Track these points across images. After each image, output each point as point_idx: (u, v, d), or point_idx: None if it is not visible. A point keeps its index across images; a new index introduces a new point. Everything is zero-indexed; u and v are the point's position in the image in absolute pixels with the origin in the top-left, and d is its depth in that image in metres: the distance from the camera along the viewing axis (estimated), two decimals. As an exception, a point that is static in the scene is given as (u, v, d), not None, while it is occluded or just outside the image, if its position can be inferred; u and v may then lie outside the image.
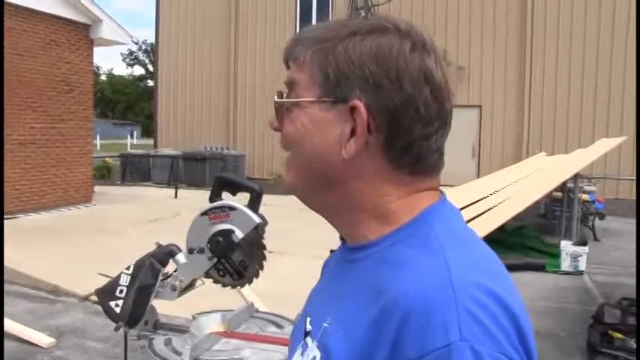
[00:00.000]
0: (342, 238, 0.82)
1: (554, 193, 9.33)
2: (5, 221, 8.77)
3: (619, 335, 4.34)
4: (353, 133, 0.71)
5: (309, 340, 0.75)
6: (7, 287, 5.89)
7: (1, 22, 7.57)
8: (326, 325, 0.72)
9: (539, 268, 7.12)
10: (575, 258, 6.98)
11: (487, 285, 0.63)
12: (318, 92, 0.73)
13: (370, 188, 0.73)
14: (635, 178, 9.60)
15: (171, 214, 9.88)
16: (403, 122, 0.70)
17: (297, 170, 0.78)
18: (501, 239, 7.85)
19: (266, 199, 1.70)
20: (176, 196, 12.65)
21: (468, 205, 8.02)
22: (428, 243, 0.69)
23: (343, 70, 0.71)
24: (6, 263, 6.23)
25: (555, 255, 7.35)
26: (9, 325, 4.67)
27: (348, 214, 0.76)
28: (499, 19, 15.75)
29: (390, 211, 0.73)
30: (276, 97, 0.78)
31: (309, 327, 0.77)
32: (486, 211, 7.70)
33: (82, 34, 10.61)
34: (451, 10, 16.02)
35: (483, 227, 6.91)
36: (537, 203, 9.20)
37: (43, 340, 4.49)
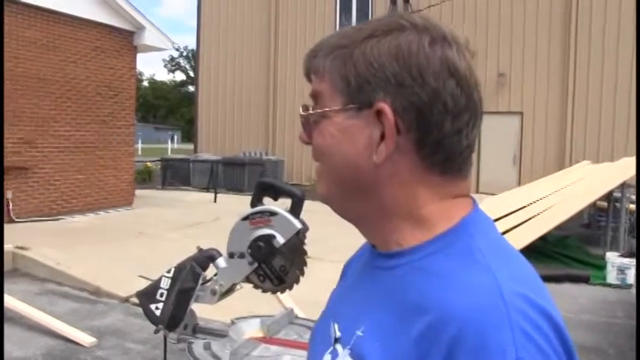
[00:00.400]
0: (372, 243, 0.81)
1: (599, 203, 9.08)
2: (50, 223, 9.02)
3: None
4: (382, 136, 0.70)
5: (339, 347, 0.74)
6: (53, 287, 6.05)
7: (1, 22, 7.74)
8: (360, 333, 0.70)
9: (584, 279, 6.91)
10: (622, 270, 6.75)
11: (536, 301, 0.63)
12: (342, 100, 0.73)
13: (403, 192, 0.72)
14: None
15: (210, 219, 9.99)
16: (432, 118, 0.69)
17: (328, 180, 0.77)
18: (544, 249, 7.68)
19: (306, 204, 1.69)
20: (215, 201, 12.79)
21: (508, 214, 7.88)
22: (471, 255, 0.67)
23: (364, 74, 0.70)
24: (51, 264, 6.41)
25: (600, 267, 7.14)
26: (54, 323, 4.78)
27: (381, 221, 0.74)
28: (542, 24, 15.45)
29: (423, 217, 0.72)
30: (301, 110, 0.78)
31: (337, 333, 0.76)
32: (528, 220, 7.54)
33: (125, 41, 10.86)
34: (492, 14, 15.80)
35: (524, 237, 6.77)
36: (581, 213, 8.97)
37: (86, 339, 4.58)
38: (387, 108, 0.69)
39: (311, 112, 0.76)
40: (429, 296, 0.64)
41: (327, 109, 0.74)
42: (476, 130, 0.73)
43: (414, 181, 0.71)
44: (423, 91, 0.68)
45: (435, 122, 0.69)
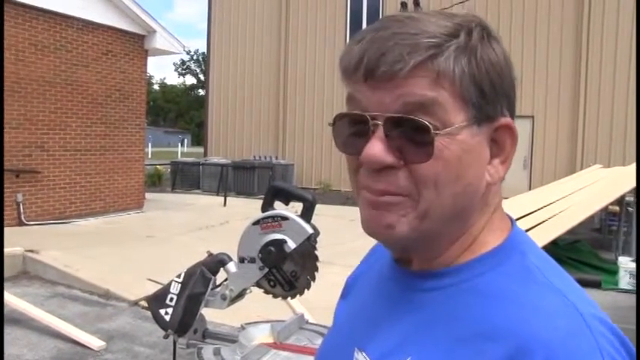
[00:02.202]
0: (396, 259, 0.72)
1: (611, 207, 8.99)
2: (59, 226, 9.06)
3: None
4: (494, 153, 0.64)
5: None
6: (61, 290, 6.06)
7: (1, 22, 7.79)
8: None
9: (595, 284, 6.83)
10: (634, 275, 6.68)
11: (608, 322, 0.60)
12: (471, 113, 0.60)
13: (482, 212, 0.66)
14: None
15: (220, 222, 9.99)
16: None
17: (424, 215, 0.61)
18: (554, 254, 7.60)
19: (317, 208, 1.67)
20: (225, 204, 12.79)
21: (519, 218, 7.82)
22: (530, 275, 0.62)
23: (495, 83, 0.61)
24: (61, 267, 6.43)
25: (612, 271, 7.07)
26: (63, 326, 4.79)
27: (448, 243, 0.65)
28: (553, 27, 15.37)
29: (471, 234, 0.66)
30: (427, 128, 0.59)
31: None
32: (539, 224, 7.48)
33: (136, 45, 10.90)
34: (503, 18, 15.73)
35: (535, 241, 6.72)
36: (592, 217, 8.89)
37: (94, 342, 4.58)
38: (512, 123, 0.63)
39: (444, 130, 0.59)
40: (499, 322, 0.58)
41: (456, 125, 0.59)
42: None
43: (496, 199, 0.67)
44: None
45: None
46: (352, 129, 0.63)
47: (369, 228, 0.64)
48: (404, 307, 0.68)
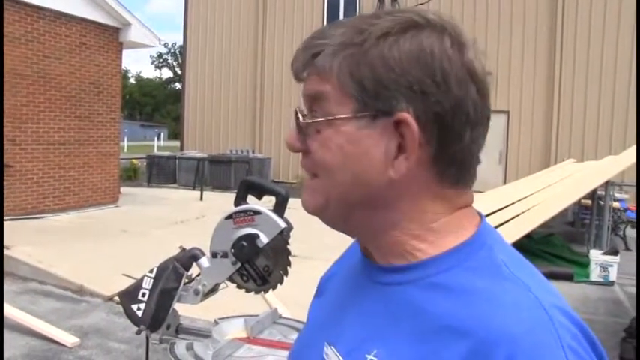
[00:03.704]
0: (364, 253, 0.74)
1: (583, 201, 9.16)
2: (33, 221, 8.92)
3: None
4: (400, 149, 0.63)
5: None
6: (34, 285, 5.97)
7: (1, 22, 7.65)
8: (372, 358, 0.64)
9: (567, 277, 6.97)
10: (605, 268, 6.82)
11: (569, 312, 0.61)
12: (354, 106, 0.63)
13: (414, 206, 0.66)
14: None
15: (196, 217, 9.94)
16: (454, 129, 0.63)
17: (327, 196, 0.68)
18: (529, 247, 7.72)
19: (290, 202, 1.67)
20: (201, 199, 12.73)
21: (494, 212, 7.90)
22: (497, 269, 0.63)
23: (382, 78, 0.62)
24: (34, 262, 6.34)
25: (584, 264, 7.20)
26: (35, 323, 4.72)
27: (386, 235, 0.67)
28: (528, 24, 15.54)
29: (433, 230, 0.66)
30: (300, 117, 0.68)
31: (340, 357, 0.68)
32: (513, 218, 7.57)
33: (111, 37, 10.76)
34: (479, 13, 15.86)
35: (510, 234, 6.79)
36: (565, 211, 9.03)
37: (68, 339, 4.53)
38: (410, 118, 0.62)
39: (318, 119, 0.66)
40: (463, 317, 0.59)
41: (338, 116, 0.64)
42: (484, 139, 0.68)
43: (428, 196, 0.66)
44: (447, 100, 0.62)
45: (456, 133, 0.63)
46: None
47: (302, 203, 0.72)
48: (371, 301, 0.69)
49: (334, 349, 0.69)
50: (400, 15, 0.65)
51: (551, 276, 6.83)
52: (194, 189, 14.50)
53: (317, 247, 6.96)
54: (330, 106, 0.65)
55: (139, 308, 1.75)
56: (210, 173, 15.55)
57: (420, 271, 0.65)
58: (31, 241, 7.22)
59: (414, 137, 0.62)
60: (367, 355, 0.64)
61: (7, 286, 5.96)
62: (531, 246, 7.90)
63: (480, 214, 0.71)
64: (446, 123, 0.63)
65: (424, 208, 0.66)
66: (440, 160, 0.64)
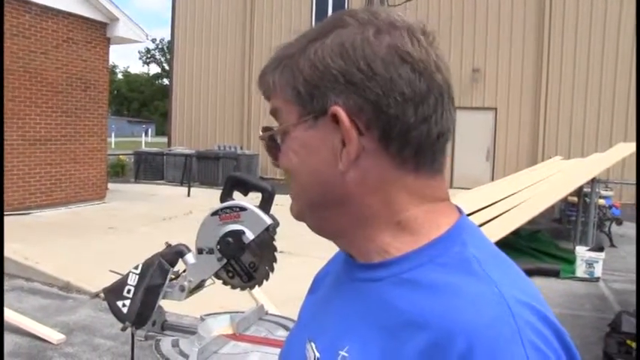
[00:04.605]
0: (347, 253, 0.75)
1: (570, 198, 9.22)
2: (19, 217, 8.85)
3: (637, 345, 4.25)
4: (344, 142, 0.65)
5: None
6: (20, 283, 5.93)
7: (1, 22, 7.59)
8: (344, 354, 0.65)
9: (553, 273, 7.02)
10: (590, 264, 6.87)
11: (539, 309, 0.60)
12: (297, 113, 0.68)
13: (377, 198, 0.66)
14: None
15: (183, 213, 9.90)
16: (390, 110, 0.63)
17: (300, 199, 0.72)
18: (516, 244, 7.77)
19: (277, 198, 1.67)
20: (189, 195, 12.68)
21: (481, 209, 7.95)
22: (468, 265, 0.63)
23: (311, 80, 0.65)
24: (20, 259, 6.28)
25: (570, 261, 7.26)
26: (21, 320, 4.69)
27: (359, 231, 0.68)
28: (516, 21, 15.62)
29: (404, 223, 0.67)
30: (260, 132, 0.74)
31: (317, 354, 0.69)
32: (500, 214, 7.62)
33: (98, 32, 10.67)
34: (468, 11, 15.91)
35: (497, 231, 6.84)
36: (552, 207, 9.10)
37: (54, 336, 4.50)
38: (340, 110, 0.64)
39: (272, 131, 0.72)
40: (426, 311, 0.60)
41: (285, 124, 0.69)
42: (447, 114, 0.67)
43: (387, 183, 0.66)
44: (374, 84, 0.63)
45: (395, 114, 0.63)
46: None
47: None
48: (348, 298, 0.70)
49: (313, 346, 0.71)
50: (330, 19, 0.69)
51: (538, 272, 6.89)
52: (182, 185, 14.44)
53: (303, 244, 6.97)
54: (282, 118, 0.70)
55: (124, 305, 1.75)
56: (197, 169, 15.50)
57: (394, 267, 0.66)
58: (17, 238, 7.15)
59: (346, 127, 0.64)
60: (340, 352, 0.65)
61: (-8, 282, 5.91)
62: (518, 243, 7.95)
63: (459, 210, 0.71)
64: (380, 106, 0.64)
65: (389, 199, 0.66)
66: (389, 143, 0.65)
